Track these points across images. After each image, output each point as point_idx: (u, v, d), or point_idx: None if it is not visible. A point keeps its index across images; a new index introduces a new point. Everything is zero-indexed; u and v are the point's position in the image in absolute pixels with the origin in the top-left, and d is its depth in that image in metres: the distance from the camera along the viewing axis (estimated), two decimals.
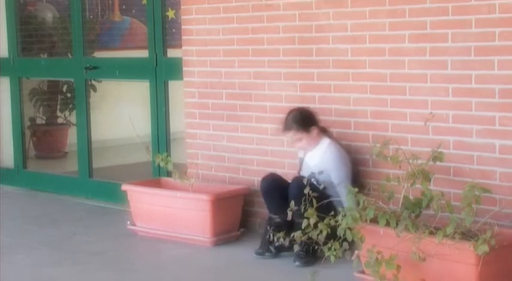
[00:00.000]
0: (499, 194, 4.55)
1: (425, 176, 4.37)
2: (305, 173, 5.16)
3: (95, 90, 8.34)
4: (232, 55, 5.90)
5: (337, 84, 5.32)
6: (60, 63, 7.90)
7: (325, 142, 5.13)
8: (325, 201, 4.52)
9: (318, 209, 4.33)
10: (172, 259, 5.20)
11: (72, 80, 7.94)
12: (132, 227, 5.86)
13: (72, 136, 8.43)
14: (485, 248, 3.88)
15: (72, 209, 6.81)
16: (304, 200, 4.37)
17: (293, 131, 5.15)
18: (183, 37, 6.19)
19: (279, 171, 5.56)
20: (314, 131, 5.12)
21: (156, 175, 6.49)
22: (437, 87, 4.83)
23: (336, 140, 5.16)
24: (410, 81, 4.95)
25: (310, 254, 4.81)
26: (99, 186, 7.10)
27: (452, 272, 4.05)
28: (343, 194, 4.77)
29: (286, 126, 5.18)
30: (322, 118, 5.32)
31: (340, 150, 5.09)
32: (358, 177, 5.06)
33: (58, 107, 9.47)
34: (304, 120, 5.14)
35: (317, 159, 5.12)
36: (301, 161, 5.26)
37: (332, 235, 4.32)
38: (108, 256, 5.33)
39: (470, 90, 4.69)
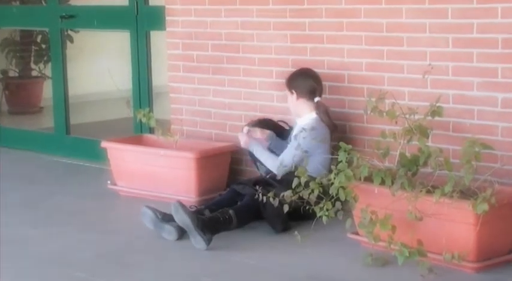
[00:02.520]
0: (500, 150, 4.58)
1: (422, 132, 4.40)
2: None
3: (71, 41, 8.30)
4: (218, 3, 5.88)
5: (330, 35, 5.32)
6: (33, 12, 7.84)
7: (312, 116, 5.16)
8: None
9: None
10: None
11: (46, 29, 7.90)
12: (113, 187, 5.89)
13: (47, 90, 8.41)
14: (484, 207, 3.92)
15: (49, 167, 6.83)
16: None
17: (285, 85, 5.24)
18: None
19: None
20: (294, 96, 5.16)
21: (137, 132, 6.50)
22: (436, 37, 4.83)
23: (323, 120, 5.14)
24: (408, 31, 4.95)
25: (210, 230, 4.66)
26: (77, 143, 7.11)
27: (450, 232, 4.10)
28: (269, 163, 5.12)
29: (286, 78, 5.26)
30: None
31: (322, 127, 5.09)
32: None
33: (32, 58, 9.44)
34: (294, 81, 5.19)
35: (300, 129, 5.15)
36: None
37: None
38: (88, 217, 5.36)
39: (471, 40, 4.70)
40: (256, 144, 5.26)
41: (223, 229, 4.71)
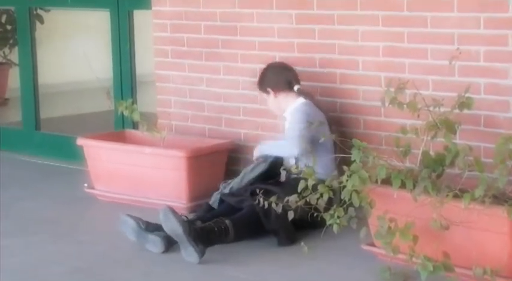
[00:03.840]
0: None
1: (449, 127, 4.40)
2: None
3: (41, 21, 8.30)
4: None
5: (342, 15, 5.32)
6: None
7: (299, 101, 5.21)
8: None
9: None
10: None
11: (12, 8, 7.90)
12: (90, 191, 5.90)
13: (13, 79, 8.41)
14: None
15: (17, 168, 6.83)
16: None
17: (258, 90, 5.37)
18: None
19: (270, 121, 5.61)
20: (271, 94, 5.25)
21: (119, 127, 6.51)
22: (465, 17, 4.84)
23: (315, 104, 5.20)
24: (433, 9, 4.96)
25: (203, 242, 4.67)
26: (49, 140, 7.12)
27: (481, 243, 4.11)
28: (284, 147, 5.08)
29: (256, 84, 5.38)
30: (322, 56, 5.34)
31: (316, 110, 5.14)
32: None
33: None
34: (264, 80, 5.29)
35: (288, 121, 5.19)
36: None
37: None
38: (62, 225, 5.37)
39: (506, 20, 4.70)
40: (261, 145, 5.31)
41: (218, 241, 4.71)
